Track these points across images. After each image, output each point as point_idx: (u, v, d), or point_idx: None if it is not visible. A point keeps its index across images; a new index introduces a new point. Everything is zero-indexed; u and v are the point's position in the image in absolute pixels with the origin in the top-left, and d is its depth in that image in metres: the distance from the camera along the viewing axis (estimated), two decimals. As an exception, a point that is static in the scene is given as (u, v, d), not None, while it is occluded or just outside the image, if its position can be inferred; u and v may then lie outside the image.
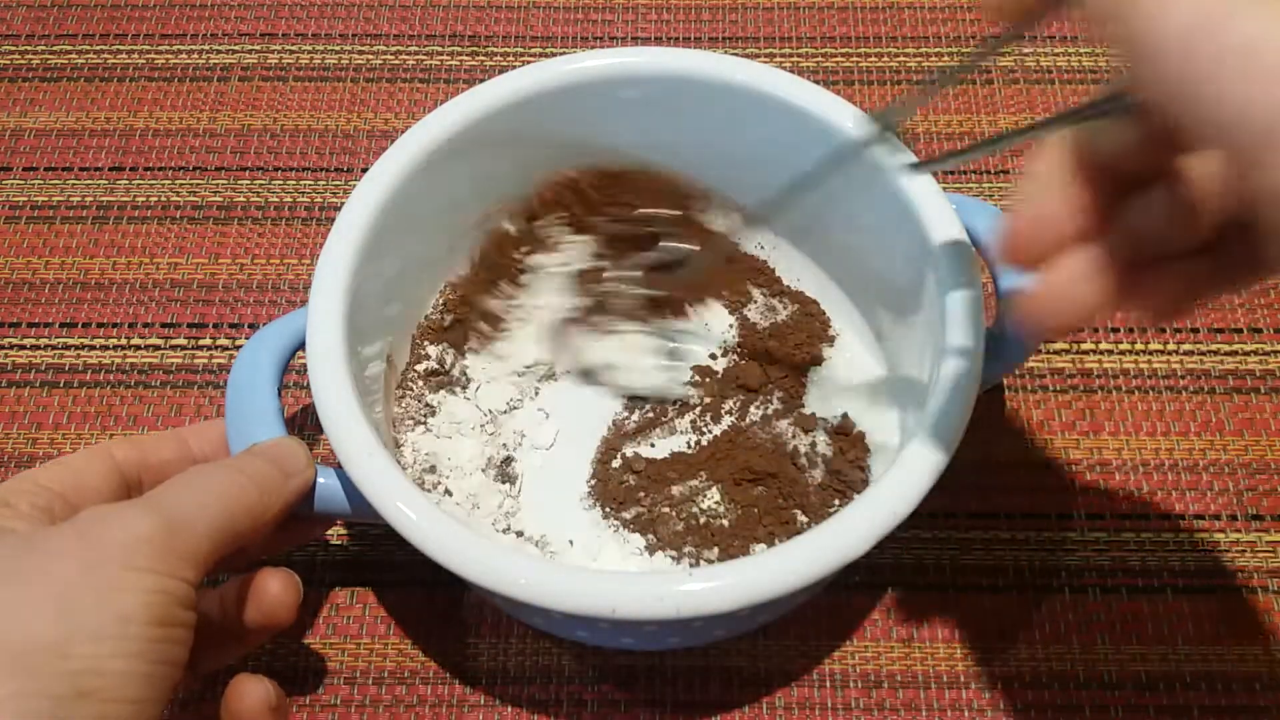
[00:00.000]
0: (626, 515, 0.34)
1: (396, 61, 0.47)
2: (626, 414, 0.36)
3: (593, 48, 0.46)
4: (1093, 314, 0.22)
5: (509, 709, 0.33)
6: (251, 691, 0.27)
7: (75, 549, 0.23)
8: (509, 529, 0.34)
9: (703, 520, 0.34)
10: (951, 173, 0.43)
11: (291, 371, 0.35)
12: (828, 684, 0.33)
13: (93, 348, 0.40)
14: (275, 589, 0.28)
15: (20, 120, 0.45)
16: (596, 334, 0.37)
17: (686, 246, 0.38)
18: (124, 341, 0.40)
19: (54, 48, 0.47)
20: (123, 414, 0.39)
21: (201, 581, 0.24)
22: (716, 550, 0.33)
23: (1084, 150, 0.21)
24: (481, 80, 0.34)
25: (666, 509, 0.34)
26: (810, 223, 0.37)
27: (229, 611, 0.28)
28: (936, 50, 0.46)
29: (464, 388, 0.37)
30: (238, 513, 0.26)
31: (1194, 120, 0.17)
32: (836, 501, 0.34)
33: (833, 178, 0.30)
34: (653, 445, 0.36)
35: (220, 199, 0.43)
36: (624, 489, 0.35)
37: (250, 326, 0.40)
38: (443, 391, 0.36)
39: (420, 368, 0.36)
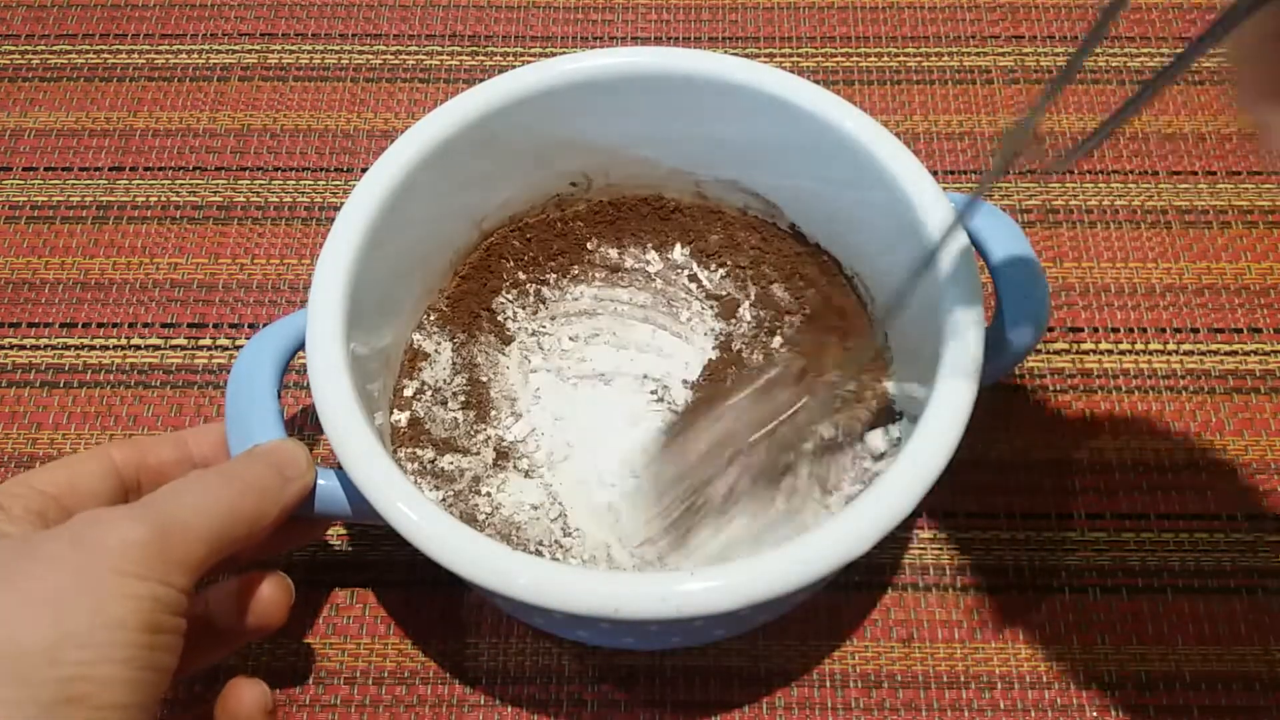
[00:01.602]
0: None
1: (396, 61, 0.47)
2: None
3: (593, 48, 0.46)
4: None
5: (509, 709, 0.33)
6: (249, 693, 0.27)
7: (68, 554, 0.22)
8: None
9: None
10: (952, 173, 0.43)
11: (291, 371, 0.35)
12: (828, 684, 0.33)
13: (93, 348, 0.40)
14: (267, 592, 0.28)
15: (20, 120, 0.45)
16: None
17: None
18: (124, 341, 0.40)
19: (54, 48, 0.47)
20: (123, 414, 0.39)
21: (195, 587, 0.24)
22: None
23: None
24: (481, 80, 0.34)
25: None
26: (810, 215, 0.37)
27: (219, 613, 0.28)
28: (936, 50, 0.46)
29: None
30: (235, 519, 0.25)
31: None
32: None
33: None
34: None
35: (220, 199, 0.43)
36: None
37: (250, 326, 0.40)
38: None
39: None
